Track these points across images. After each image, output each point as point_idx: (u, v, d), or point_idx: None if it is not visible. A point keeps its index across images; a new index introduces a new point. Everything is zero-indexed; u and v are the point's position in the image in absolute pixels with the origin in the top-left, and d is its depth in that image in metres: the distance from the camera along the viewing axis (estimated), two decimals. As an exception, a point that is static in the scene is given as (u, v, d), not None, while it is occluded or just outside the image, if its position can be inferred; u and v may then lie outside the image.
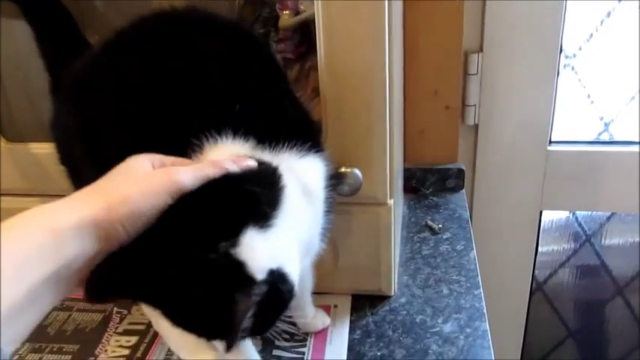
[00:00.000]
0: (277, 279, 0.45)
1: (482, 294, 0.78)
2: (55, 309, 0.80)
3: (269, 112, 0.54)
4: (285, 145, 0.53)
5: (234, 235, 0.44)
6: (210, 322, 0.44)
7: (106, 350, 0.73)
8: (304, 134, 0.56)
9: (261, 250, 0.44)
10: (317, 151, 0.57)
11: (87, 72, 0.58)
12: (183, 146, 0.51)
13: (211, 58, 0.55)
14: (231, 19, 0.64)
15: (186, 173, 0.45)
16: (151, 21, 0.58)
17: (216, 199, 0.45)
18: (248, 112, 0.52)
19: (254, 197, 0.46)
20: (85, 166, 0.59)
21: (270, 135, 0.53)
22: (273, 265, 0.45)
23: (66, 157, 0.63)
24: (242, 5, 0.79)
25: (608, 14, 1.01)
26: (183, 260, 0.42)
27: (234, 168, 0.47)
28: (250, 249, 0.44)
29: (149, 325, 0.76)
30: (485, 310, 0.75)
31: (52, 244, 0.38)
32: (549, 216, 1.20)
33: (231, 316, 0.41)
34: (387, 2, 0.59)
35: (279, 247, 0.47)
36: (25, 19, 0.69)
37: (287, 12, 0.74)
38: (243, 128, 0.52)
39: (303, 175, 0.53)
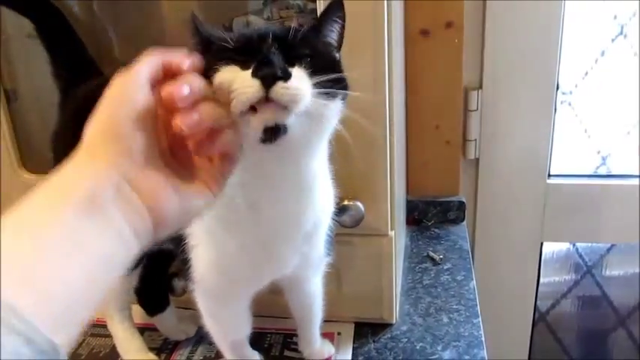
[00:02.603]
0: None
1: (481, 323, 0.80)
2: (70, 334, 0.83)
3: None
4: None
5: None
6: None
7: (118, 374, 0.76)
8: None
9: None
10: None
11: (91, 101, 0.63)
12: None
13: None
14: None
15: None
16: None
17: None
18: None
19: None
20: None
21: None
22: None
23: None
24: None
25: (602, 53, 1.05)
26: None
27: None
28: None
29: (161, 349, 0.79)
30: (483, 339, 0.77)
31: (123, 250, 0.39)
32: (550, 247, 1.23)
33: None
34: (386, 47, 0.63)
35: None
36: (39, 38, 0.74)
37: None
38: None
39: None
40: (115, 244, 0.39)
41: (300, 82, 0.45)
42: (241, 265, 0.58)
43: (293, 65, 0.46)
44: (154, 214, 0.41)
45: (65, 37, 0.75)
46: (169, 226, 0.42)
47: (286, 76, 0.44)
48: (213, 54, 0.47)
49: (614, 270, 1.27)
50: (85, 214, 0.37)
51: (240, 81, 0.44)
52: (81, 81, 0.70)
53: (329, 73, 0.47)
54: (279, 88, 0.43)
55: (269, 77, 0.43)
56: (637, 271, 1.25)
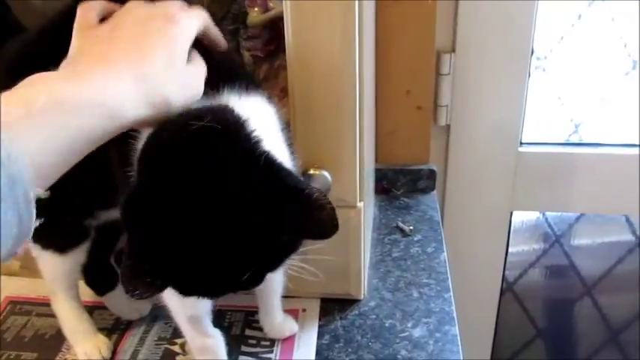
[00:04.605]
0: None
1: (453, 297, 0.77)
2: (12, 313, 0.77)
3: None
4: (225, 87, 0.52)
5: None
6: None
7: (66, 358, 0.70)
8: (239, 77, 0.54)
9: None
10: (256, 90, 0.55)
11: (19, 58, 0.59)
12: None
13: None
14: None
15: None
16: None
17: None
18: None
19: None
20: None
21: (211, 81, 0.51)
22: None
23: None
24: (210, 1, 0.77)
25: (579, 17, 1.01)
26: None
27: None
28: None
29: (112, 329, 0.74)
30: (455, 314, 0.74)
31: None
32: (519, 217, 1.21)
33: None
34: (357, 1, 0.58)
35: None
36: None
37: (256, 9, 0.72)
38: None
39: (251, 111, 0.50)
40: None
41: None
42: None
43: None
44: None
45: None
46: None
47: None
48: None
49: (582, 240, 1.26)
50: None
51: None
52: (5, 39, 0.64)
53: None
54: None
55: None
56: (605, 240, 1.25)
